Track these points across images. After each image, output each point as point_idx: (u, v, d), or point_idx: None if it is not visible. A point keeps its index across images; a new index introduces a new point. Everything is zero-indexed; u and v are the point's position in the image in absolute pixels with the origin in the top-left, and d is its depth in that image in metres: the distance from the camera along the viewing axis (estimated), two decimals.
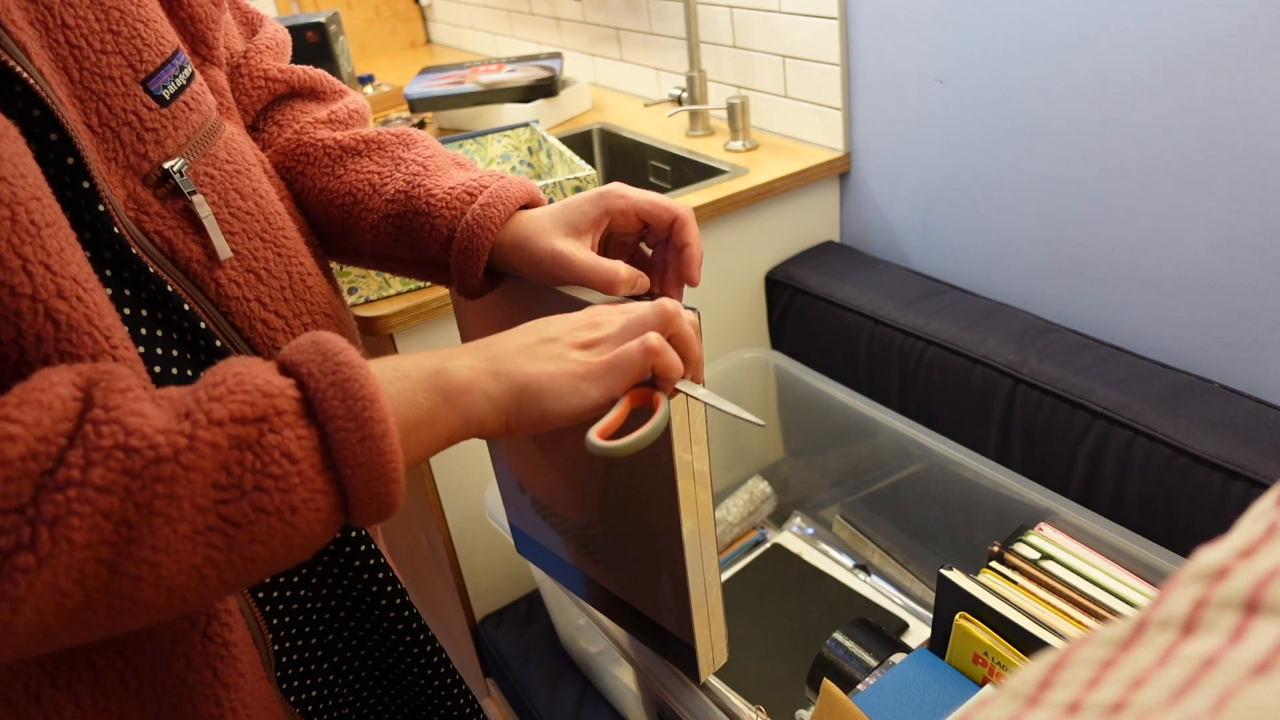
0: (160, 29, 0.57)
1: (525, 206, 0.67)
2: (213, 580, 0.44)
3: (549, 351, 0.53)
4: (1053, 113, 1.18)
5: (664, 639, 0.76)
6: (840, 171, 1.51)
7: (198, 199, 0.56)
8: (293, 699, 0.67)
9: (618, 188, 0.65)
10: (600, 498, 0.73)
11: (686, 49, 1.62)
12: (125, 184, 0.54)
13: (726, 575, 1.31)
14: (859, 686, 0.97)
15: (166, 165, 0.55)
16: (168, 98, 0.56)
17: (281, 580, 0.64)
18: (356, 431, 0.44)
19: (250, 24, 0.76)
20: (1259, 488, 0.92)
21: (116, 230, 0.52)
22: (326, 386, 0.44)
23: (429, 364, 0.50)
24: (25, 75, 0.47)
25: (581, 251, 0.62)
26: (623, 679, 1.20)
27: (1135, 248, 1.15)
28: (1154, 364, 1.11)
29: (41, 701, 0.48)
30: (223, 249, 0.58)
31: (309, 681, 0.69)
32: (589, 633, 1.23)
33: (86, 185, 0.51)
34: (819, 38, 1.44)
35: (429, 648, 0.74)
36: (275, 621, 0.65)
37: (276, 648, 0.65)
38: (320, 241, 0.74)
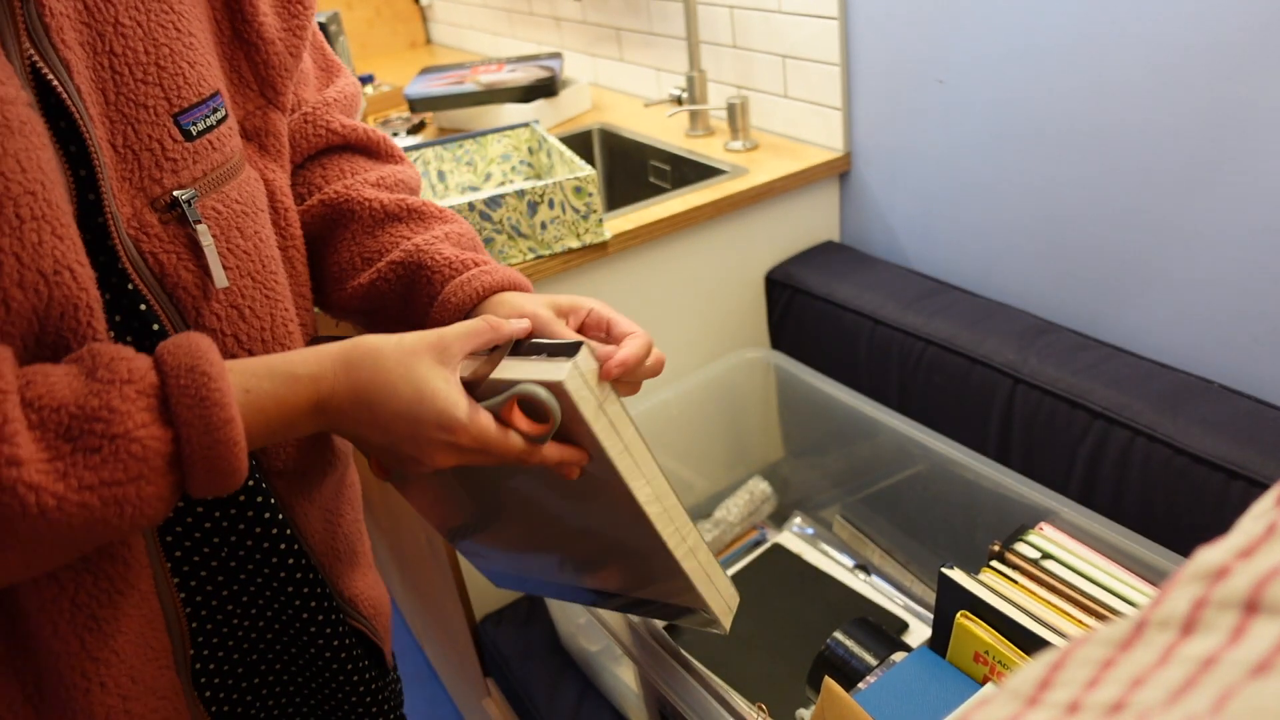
0: (204, 71, 0.61)
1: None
2: (61, 562, 0.52)
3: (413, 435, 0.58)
4: (1052, 113, 1.18)
5: (675, 611, 0.76)
6: (840, 171, 1.51)
7: (201, 228, 0.59)
8: (208, 694, 0.67)
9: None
10: (551, 524, 0.71)
11: (686, 49, 1.62)
12: (133, 203, 0.57)
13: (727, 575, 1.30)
14: (859, 686, 0.97)
15: (177, 193, 0.58)
16: (194, 133, 0.60)
17: (204, 574, 0.65)
18: (210, 481, 0.52)
19: (329, 71, 0.79)
20: (1259, 487, 0.92)
21: (110, 243, 0.55)
22: (200, 459, 0.50)
23: (310, 411, 0.56)
24: (61, 91, 0.51)
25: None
26: (623, 678, 1.20)
27: (1134, 247, 1.15)
28: (1153, 364, 1.11)
29: None
30: (219, 278, 0.61)
31: (228, 682, 0.69)
32: (589, 632, 1.24)
33: (92, 197, 0.54)
34: (819, 38, 1.44)
35: (337, 625, 0.73)
36: (198, 614, 0.65)
37: (199, 639, 0.65)
38: (315, 289, 0.76)
